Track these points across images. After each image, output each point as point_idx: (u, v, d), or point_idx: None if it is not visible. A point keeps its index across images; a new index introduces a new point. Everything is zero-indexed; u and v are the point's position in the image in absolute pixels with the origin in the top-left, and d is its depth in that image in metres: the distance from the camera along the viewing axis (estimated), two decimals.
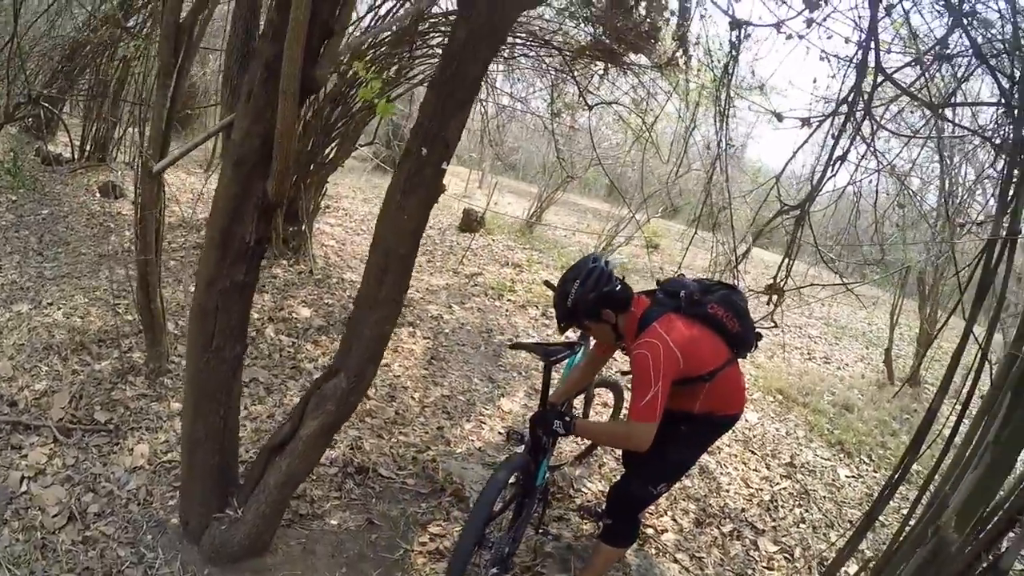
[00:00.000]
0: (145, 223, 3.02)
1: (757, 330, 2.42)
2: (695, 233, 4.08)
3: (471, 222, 8.86)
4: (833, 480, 4.06)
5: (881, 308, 8.57)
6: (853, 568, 2.94)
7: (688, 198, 11.44)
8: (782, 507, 3.56)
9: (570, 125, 5.81)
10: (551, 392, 2.54)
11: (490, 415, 3.84)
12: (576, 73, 4.80)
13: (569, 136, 7.66)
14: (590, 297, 2.18)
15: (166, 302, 3.45)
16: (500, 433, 3.65)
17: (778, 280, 2.99)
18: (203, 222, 5.67)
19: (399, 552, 2.56)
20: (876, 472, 4.31)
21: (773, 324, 3.05)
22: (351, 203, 9.28)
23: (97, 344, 3.47)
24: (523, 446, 2.36)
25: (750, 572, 2.95)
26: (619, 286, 2.24)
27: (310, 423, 2.19)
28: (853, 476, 4.18)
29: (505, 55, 5.20)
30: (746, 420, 4.73)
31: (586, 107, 4.61)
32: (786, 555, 3.14)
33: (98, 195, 6.43)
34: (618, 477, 2.64)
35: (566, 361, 3.01)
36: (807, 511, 3.58)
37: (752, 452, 4.15)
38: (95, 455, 2.70)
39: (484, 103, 6.51)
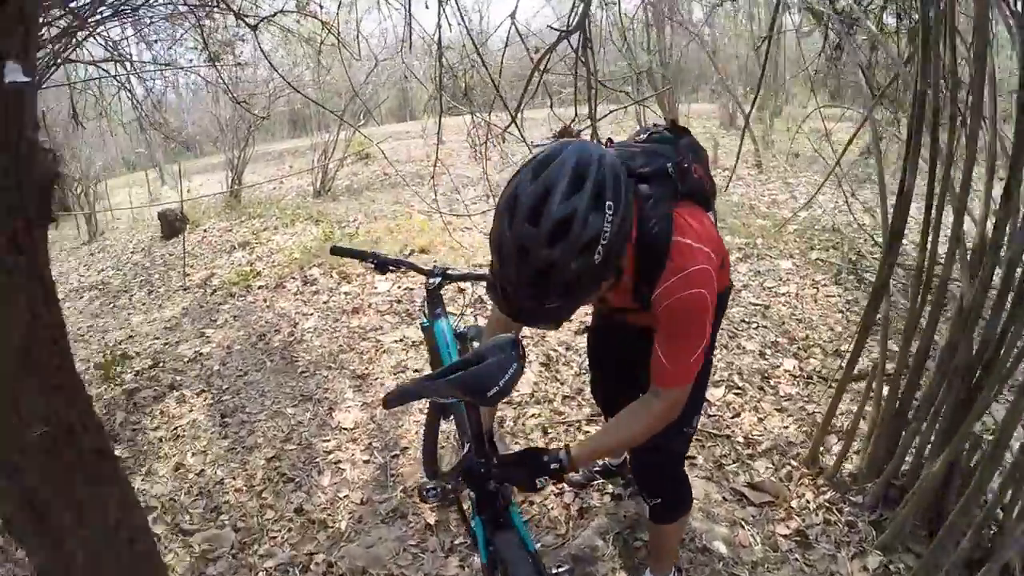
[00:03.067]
0: None
1: None
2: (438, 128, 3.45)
3: (172, 224, 7.29)
4: None
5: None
6: None
7: (380, 96, 10.79)
8: None
9: (236, 63, 4.68)
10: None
11: (341, 448, 2.98)
12: None
13: (238, 79, 6.40)
14: (613, 240, 1.11)
15: None
16: (371, 463, 2.86)
17: (571, 123, 2.60)
18: None
19: None
20: None
21: None
22: None
23: None
24: (454, 500, 1.49)
25: None
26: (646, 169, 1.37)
27: None
28: None
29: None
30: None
31: (249, 30, 3.61)
32: None
33: None
34: None
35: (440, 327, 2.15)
36: None
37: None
38: None
39: (125, 88, 4.99)
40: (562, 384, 3.28)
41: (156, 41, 5.17)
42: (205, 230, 7.55)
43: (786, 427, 2.75)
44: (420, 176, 9.02)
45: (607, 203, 1.09)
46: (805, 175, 7.59)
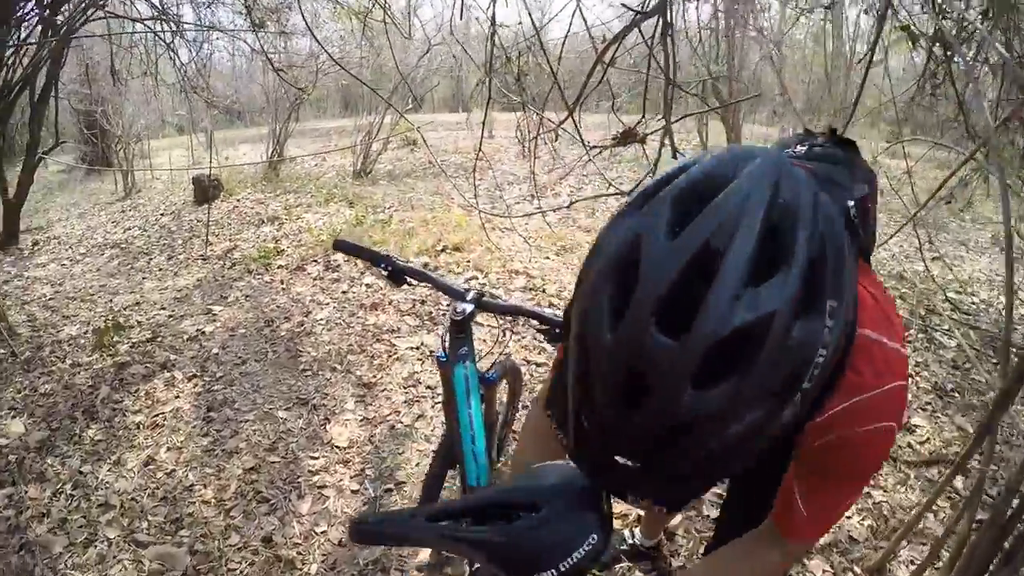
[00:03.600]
0: None
1: None
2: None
3: (205, 190, 7.07)
4: None
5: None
6: None
7: (432, 81, 10.51)
8: None
9: (281, 31, 4.40)
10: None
11: (328, 469, 2.61)
12: None
13: (283, 50, 6.15)
14: (827, 365, 0.58)
15: None
16: (360, 495, 2.49)
17: (637, 125, 2.18)
18: None
19: None
20: None
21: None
22: (65, 226, 7.01)
23: None
24: None
25: None
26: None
27: None
28: None
29: None
30: None
31: None
32: None
33: None
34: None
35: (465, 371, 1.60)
36: None
37: None
38: None
39: (170, 48, 4.77)
40: None
41: (204, 3, 4.96)
42: (238, 200, 7.34)
43: (848, 517, 2.30)
44: (464, 169, 8.68)
45: (828, 301, 0.57)
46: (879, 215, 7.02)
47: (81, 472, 2.64)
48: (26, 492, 2.51)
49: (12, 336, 3.75)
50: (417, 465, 2.59)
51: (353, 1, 4.85)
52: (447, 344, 1.61)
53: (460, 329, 1.58)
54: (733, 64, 8.31)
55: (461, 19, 2.62)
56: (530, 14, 2.11)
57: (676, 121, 1.97)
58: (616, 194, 2.22)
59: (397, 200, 6.94)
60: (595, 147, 2.29)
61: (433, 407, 2.96)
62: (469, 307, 1.58)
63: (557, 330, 1.55)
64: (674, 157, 2.16)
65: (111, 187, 8.61)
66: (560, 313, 1.49)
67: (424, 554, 2.06)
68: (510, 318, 1.70)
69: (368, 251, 1.74)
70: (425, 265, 4.83)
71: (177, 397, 3.14)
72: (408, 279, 1.70)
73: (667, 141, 1.95)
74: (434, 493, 2.05)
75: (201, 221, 6.22)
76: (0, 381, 3.32)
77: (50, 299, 4.61)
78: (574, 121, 2.13)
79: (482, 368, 1.71)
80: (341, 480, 2.54)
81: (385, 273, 1.70)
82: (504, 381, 1.84)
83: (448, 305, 1.83)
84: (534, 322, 1.59)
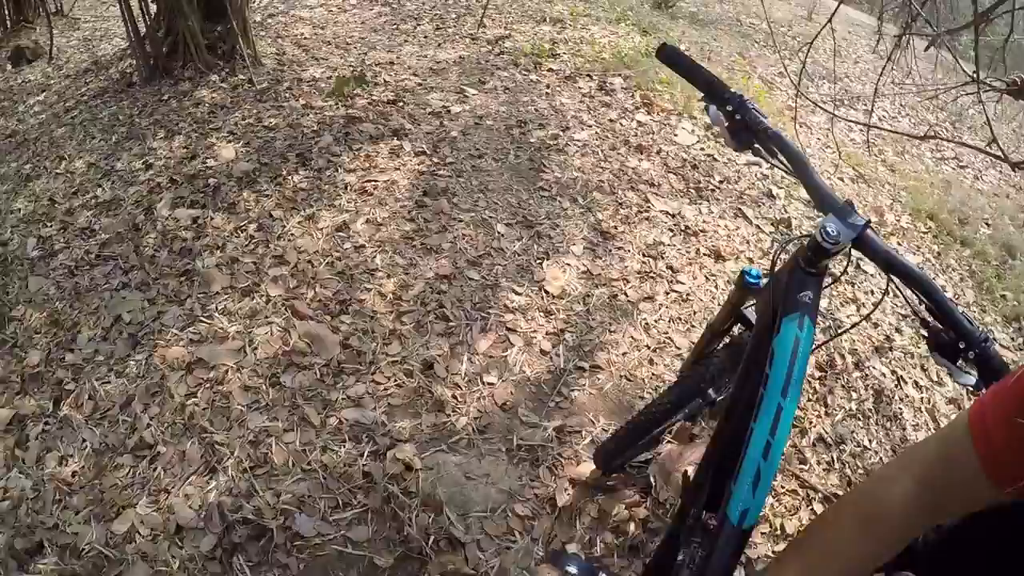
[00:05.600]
0: None
1: None
2: None
3: None
4: None
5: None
6: None
7: None
8: None
9: None
10: None
11: (527, 309, 2.05)
12: None
13: None
14: None
15: None
16: (546, 355, 1.91)
17: None
18: None
19: None
20: None
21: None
22: None
23: None
24: None
25: None
26: None
27: None
28: None
29: None
30: None
31: None
32: None
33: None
34: None
35: None
36: None
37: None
38: None
39: None
40: None
41: None
42: None
43: None
44: (785, 29, 7.04)
45: None
46: None
47: (272, 216, 2.33)
48: (211, 219, 2.23)
49: (255, 64, 3.57)
50: (624, 355, 1.94)
51: None
52: (781, 273, 0.94)
53: (815, 262, 0.88)
54: None
55: None
56: None
57: None
58: (995, 155, 1.49)
59: (695, 45, 5.73)
60: (985, 82, 1.59)
61: (667, 294, 2.16)
62: (848, 234, 0.85)
63: (966, 348, 0.81)
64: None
65: None
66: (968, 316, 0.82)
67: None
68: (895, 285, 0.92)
69: (710, 76, 1.03)
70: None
71: (398, 169, 2.69)
72: (760, 146, 0.99)
73: None
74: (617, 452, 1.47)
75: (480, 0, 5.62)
76: (230, 104, 3.15)
77: (306, 38, 4.43)
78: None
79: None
80: (535, 332, 1.98)
81: (726, 121, 1.00)
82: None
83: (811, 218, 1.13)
84: (926, 315, 0.85)
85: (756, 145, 0.99)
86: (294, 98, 3.26)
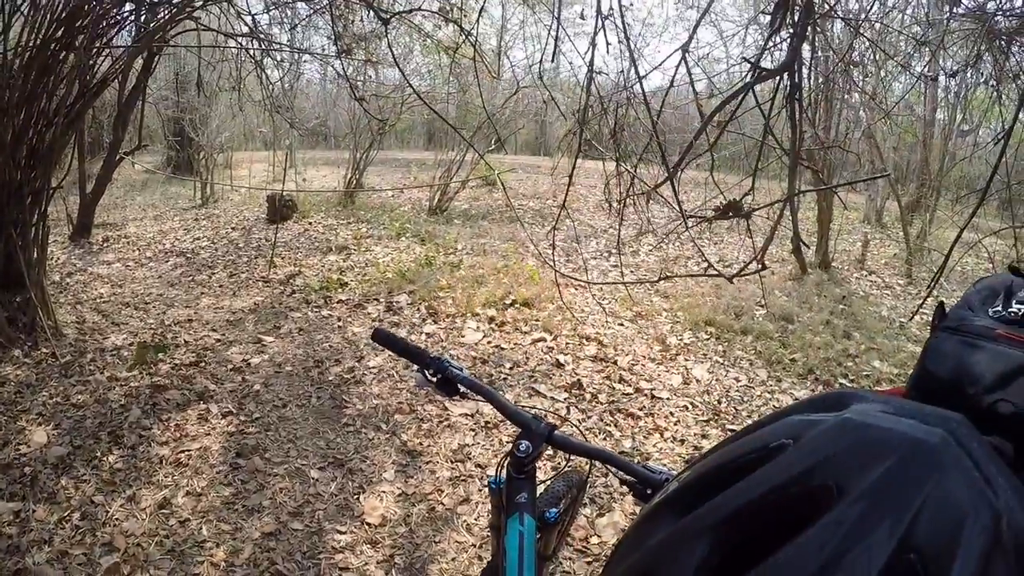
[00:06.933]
0: None
1: None
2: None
3: (279, 210, 7.10)
4: None
5: (760, 194, 8.06)
6: None
7: (517, 123, 10.44)
8: None
9: (367, 59, 4.32)
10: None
11: (355, 549, 2.30)
12: None
13: (372, 78, 6.14)
14: None
15: None
16: None
17: (742, 197, 1.85)
18: None
19: None
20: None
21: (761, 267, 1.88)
22: (139, 226, 7.19)
23: None
24: None
25: None
26: None
27: None
28: None
29: None
30: (696, 380, 3.76)
31: (381, 24, 3.18)
32: None
33: None
34: None
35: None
36: None
37: (728, 429, 3.14)
38: None
39: (259, 66, 4.75)
40: None
41: (297, 26, 4.96)
42: (310, 222, 7.37)
43: None
44: (542, 216, 8.48)
45: None
46: (957, 294, 6.31)
47: (93, 502, 2.44)
48: (33, 512, 2.33)
49: (57, 336, 3.67)
50: (453, 561, 2.26)
51: (444, 36, 4.75)
52: (504, 481, 1.20)
53: (522, 468, 1.16)
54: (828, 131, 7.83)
55: (552, 62, 2.40)
56: (634, 62, 1.82)
57: (797, 194, 1.65)
58: (714, 275, 1.90)
59: (470, 243, 6.74)
60: (692, 217, 2.00)
61: (480, 491, 2.65)
62: (540, 442, 1.16)
63: (648, 490, 1.11)
64: (796, 239, 1.83)
65: (190, 193, 8.84)
66: (651, 466, 1.10)
67: None
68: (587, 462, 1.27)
69: (414, 348, 1.34)
70: (483, 380, 4.57)
71: (208, 434, 2.94)
72: (461, 391, 1.30)
73: (785, 215, 1.62)
74: None
75: (269, 241, 6.20)
76: (36, 382, 3.22)
77: (105, 301, 4.58)
78: (672, 186, 1.83)
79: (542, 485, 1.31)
80: (367, 565, 2.23)
81: (433, 380, 1.31)
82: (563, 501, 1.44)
83: (509, 441, 1.45)
84: (619, 471, 1.15)
85: (461, 389, 1.30)
86: (99, 370, 3.38)
